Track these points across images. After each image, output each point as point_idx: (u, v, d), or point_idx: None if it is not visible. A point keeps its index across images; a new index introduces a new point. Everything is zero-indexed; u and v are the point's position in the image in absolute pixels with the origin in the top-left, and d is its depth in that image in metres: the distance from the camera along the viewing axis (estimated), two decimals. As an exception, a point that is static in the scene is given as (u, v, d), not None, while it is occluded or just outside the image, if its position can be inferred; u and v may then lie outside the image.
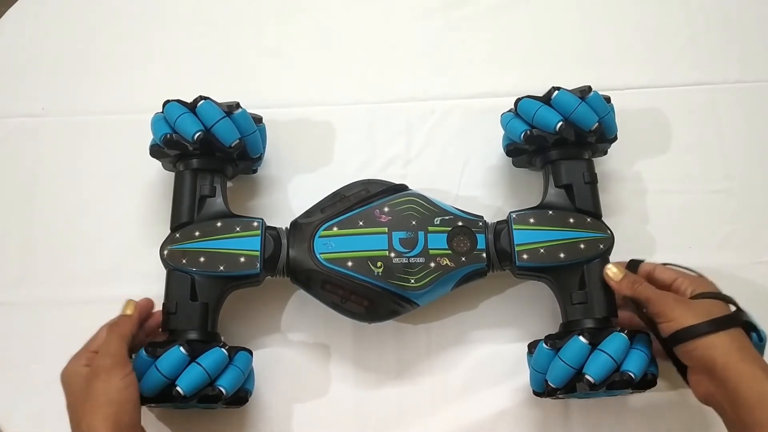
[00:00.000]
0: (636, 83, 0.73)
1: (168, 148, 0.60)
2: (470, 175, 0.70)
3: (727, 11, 0.76)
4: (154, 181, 0.69)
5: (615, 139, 0.63)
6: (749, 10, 0.76)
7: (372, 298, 0.58)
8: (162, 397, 0.53)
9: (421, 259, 0.58)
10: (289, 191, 0.69)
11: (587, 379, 0.51)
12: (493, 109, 0.67)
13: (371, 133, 0.71)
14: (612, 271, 0.56)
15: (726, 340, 0.49)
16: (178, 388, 0.52)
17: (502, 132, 0.66)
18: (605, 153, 0.66)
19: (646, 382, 0.53)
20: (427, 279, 0.58)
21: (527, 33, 0.75)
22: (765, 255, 0.67)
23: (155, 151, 0.62)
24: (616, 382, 0.52)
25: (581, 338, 0.53)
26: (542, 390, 0.56)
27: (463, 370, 0.63)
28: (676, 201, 0.69)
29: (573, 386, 0.53)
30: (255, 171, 0.68)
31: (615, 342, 0.53)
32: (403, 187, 0.62)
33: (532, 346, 0.58)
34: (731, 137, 0.71)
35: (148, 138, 0.62)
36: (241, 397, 0.56)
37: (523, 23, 0.76)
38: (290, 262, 0.59)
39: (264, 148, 0.66)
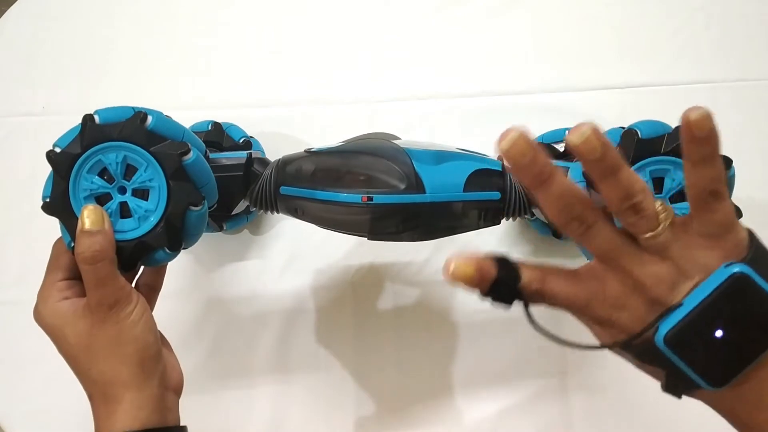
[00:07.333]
0: (636, 82, 0.73)
1: None
2: (470, 175, 0.70)
3: (728, 9, 0.75)
4: (154, 180, 0.69)
5: None
6: (750, 8, 0.75)
7: (370, 167, 0.49)
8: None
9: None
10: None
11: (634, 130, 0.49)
12: (493, 109, 0.67)
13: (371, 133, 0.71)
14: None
15: None
16: (94, 114, 0.46)
17: (501, 130, 0.65)
18: None
19: None
20: (435, 148, 0.52)
21: (527, 32, 0.75)
22: (766, 254, 0.66)
23: None
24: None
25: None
26: None
27: (463, 368, 0.63)
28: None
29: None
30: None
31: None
32: None
33: None
34: (732, 136, 0.70)
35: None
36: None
37: (523, 23, 0.76)
38: (280, 163, 0.53)
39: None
